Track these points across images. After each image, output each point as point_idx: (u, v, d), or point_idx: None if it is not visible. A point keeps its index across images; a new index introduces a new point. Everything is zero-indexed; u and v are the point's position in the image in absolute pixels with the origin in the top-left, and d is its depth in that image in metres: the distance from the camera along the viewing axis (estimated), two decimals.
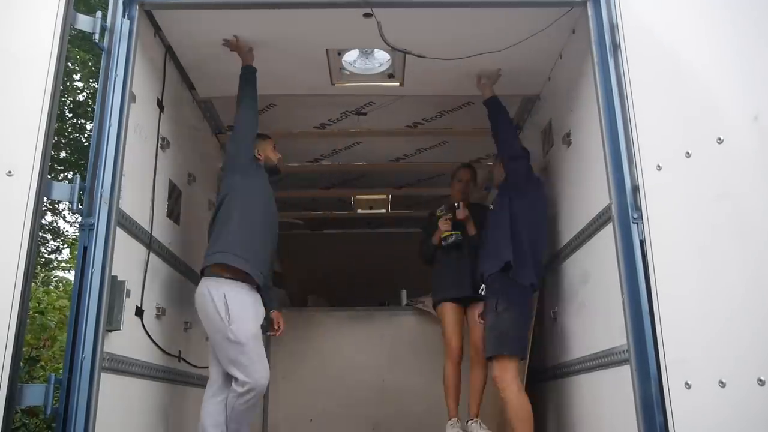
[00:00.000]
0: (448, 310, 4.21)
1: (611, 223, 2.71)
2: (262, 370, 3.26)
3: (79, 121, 11.40)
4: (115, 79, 2.79)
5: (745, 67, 2.49)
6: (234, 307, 3.23)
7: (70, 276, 9.39)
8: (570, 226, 3.46)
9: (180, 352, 3.72)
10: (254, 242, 3.38)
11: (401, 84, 4.07)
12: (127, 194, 2.87)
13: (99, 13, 2.80)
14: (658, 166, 2.53)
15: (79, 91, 10.96)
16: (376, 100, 4.39)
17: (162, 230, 3.44)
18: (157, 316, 3.38)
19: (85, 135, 11.29)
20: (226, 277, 3.28)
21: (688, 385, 2.29)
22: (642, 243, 2.53)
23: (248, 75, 3.57)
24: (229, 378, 3.28)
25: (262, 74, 3.94)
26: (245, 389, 3.19)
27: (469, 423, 4.03)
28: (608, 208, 2.75)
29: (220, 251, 3.32)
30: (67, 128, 11.17)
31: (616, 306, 2.65)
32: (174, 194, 3.73)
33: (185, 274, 3.89)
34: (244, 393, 3.19)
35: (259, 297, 3.42)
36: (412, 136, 4.99)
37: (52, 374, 2.46)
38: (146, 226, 3.21)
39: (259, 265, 3.37)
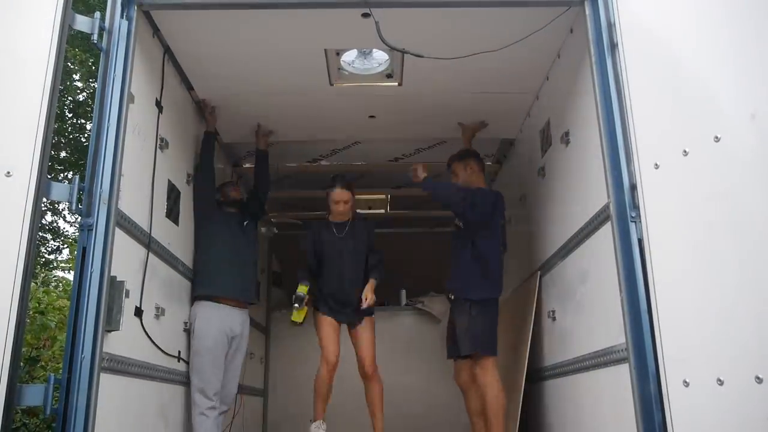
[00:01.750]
0: (327, 323, 4.30)
1: (609, 222, 2.72)
2: None
3: (78, 121, 11.40)
4: (113, 79, 2.80)
5: (742, 65, 2.49)
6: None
7: (70, 276, 9.39)
8: (568, 225, 3.46)
9: (179, 352, 3.72)
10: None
11: (400, 84, 4.07)
12: (126, 195, 2.87)
13: (97, 14, 2.80)
14: (656, 165, 2.54)
15: (78, 91, 10.96)
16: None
17: (161, 230, 3.44)
18: (156, 317, 3.38)
19: (85, 135, 11.29)
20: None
21: (686, 383, 2.29)
22: (640, 241, 2.54)
23: (262, 155, 4.61)
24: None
25: (261, 75, 3.95)
26: None
27: None
28: (606, 206, 2.75)
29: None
30: (67, 128, 11.18)
31: (614, 304, 2.65)
32: (173, 195, 3.73)
33: (184, 274, 3.89)
34: None
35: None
36: (410, 136, 4.99)
37: (52, 374, 2.47)
38: (145, 227, 3.21)
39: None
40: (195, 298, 3.94)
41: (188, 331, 3.88)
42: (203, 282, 3.97)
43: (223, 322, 3.91)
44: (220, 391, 3.83)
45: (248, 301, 4.20)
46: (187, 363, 3.84)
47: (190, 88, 4.09)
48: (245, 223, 4.30)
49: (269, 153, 4.70)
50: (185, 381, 3.81)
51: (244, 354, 4.14)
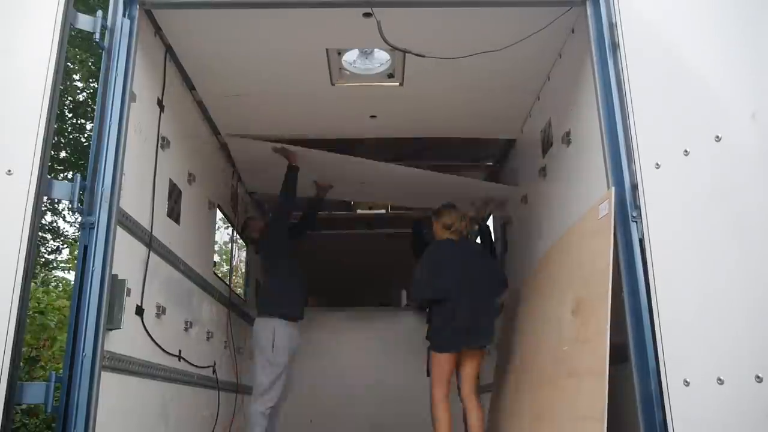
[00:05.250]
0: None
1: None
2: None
3: (79, 121, 11.40)
4: (115, 78, 2.80)
5: (743, 65, 2.50)
6: None
7: (70, 276, 9.39)
8: (568, 225, 3.46)
9: (180, 351, 3.72)
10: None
11: (401, 84, 4.07)
12: (128, 193, 2.87)
13: (99, 13, 2.81)
14: (657, 165, 2.54)
15: (78, 91, 10.97)
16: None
17: (162, 229, 3.45)
18: (157, 315, 3.38)
19: (85, 135, 11.30)
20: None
21: (686, 383, 2.30)
22: (641, 241, 2.54)
23: (292, 175, 4.66)
24: None
25: (262, 75, 3.95)
26: None
27: None
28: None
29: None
30: (67, 128, 11.18)
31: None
32: (174, 194, 3.74)
33: (185, 273, 3.89)
34: None
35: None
36: (411, 136, 4.99)
37: (53, 372, 2.46)
38: (146, 225, 3.21)
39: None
40: (266, 314, 4.53)
41: (253, 341, 4.50)
42: (278, 302, 4.56)
43: (292, 338, 4.54)
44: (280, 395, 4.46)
45: (301, 318, 4.75)
46: (188, 362, 3.84)
47: (191, 87, 4.09)
48: (297, 248, 4.93)
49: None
50: (186, 380, 3.81)
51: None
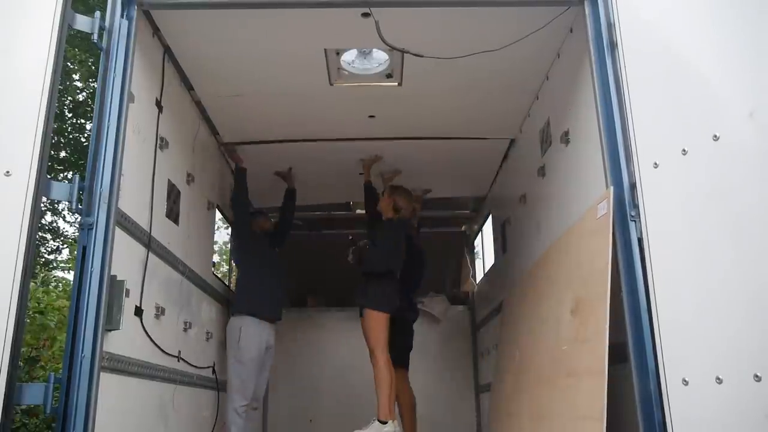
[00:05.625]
0: None
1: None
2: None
3: (78, 121, 11.40)
4: (113, 79, 2.80)
5: (741, 64, 2.50)
6: None
7: (70, 276, 9.39)
8: (567, 224, 3.46)
9: (179, 351, 3.73)
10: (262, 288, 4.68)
11: (399, 84, 4.07)
12: (126, 194, 2.88)
13: (98, 14, 2.81)
14: (655, 164, 2.54)
15: (78, 91, 10.96)
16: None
17: (161, 230, 3.45)
18: (156, 316, 3.38)
19: (85, 135, 11.30)
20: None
21: (685, 382, 2.30)
22: (640, 240, 2.54)
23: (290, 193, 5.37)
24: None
25: (261, 75, 3.95)
26: None
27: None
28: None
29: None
30: (67, 128, 11.17)
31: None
32: (173, 194, 3.74)
33: (184, 274, 3.89)
34: None
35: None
36: (410, 136, 4.99)
37: (52, 373, 2.47)
38: (145, 226, 3.21)
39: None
40: (236, 312, 4.60)
41: (225, 340, 4.57)
42: (246, 300, 4.62)
43: (261, 336, 4.55)
44: (253, 393, 4.48)
45: (278, 318, 4.81)
46: (188, 362, 3.84)
47: (190, 87, 4.09)
48: (275, 249, 5.09)
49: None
50: (185, 381, 3.82)
51: (271, 362, 4.77)
